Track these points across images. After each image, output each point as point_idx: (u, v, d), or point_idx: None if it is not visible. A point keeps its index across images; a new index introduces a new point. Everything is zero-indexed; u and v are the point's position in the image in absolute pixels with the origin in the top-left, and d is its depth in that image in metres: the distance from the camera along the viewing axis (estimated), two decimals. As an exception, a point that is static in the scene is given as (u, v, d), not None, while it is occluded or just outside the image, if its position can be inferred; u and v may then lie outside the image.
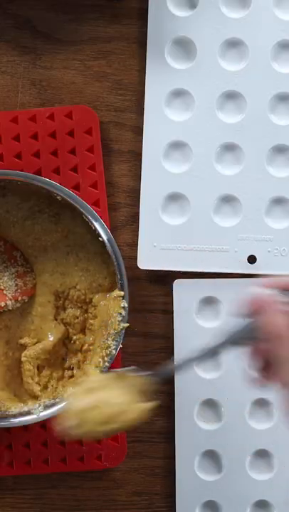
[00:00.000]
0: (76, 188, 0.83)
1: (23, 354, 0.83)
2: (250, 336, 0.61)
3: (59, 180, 0.82)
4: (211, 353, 0.64)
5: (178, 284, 0.84)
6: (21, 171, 0.82)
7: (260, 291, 0.59)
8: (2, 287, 0.83)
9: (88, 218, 0.79)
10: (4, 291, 0.83)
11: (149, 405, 0.66)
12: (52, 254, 0.83)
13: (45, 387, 0.82)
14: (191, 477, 0.85)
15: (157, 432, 0.87)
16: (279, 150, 0.84)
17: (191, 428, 0.85)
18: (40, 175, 0.82)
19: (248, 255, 0.84)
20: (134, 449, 0.87)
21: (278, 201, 0.84)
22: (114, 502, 0.87)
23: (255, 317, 0.60)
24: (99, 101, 0.85)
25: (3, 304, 0.82)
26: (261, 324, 0.59)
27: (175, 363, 0.67)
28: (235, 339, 0.62)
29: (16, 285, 0.83)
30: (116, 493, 0.87)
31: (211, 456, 0.85)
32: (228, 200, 0.84)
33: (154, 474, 0.87)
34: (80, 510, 0.87)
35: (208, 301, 0.85)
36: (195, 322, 0.84)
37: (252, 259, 0.84)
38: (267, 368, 0.61)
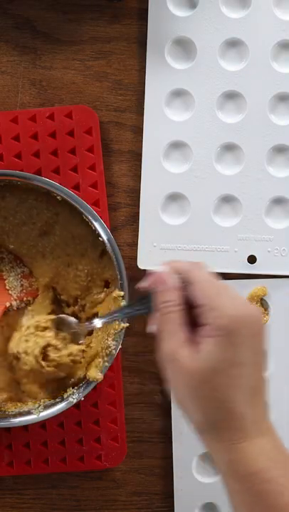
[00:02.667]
0: (76, 188, 0.83)
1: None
2: (149, 307, 0.67)
3: (59, 180, 0.82)
4: (117, 317, 0.75)
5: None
6: (21, 171, 0.82)
7: (162, 269, 0.65)
8: (7, 287, 0.83)
9: (88, 218, 0.79)
10: (10, 291, 0.83)
11: (76, 347, 0.78)
12: (51, 261, 0.83)
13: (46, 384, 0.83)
14: (189, 479, 0.85)
15: (157, 432, 0.87)
16: (279, 150, 0.84)
17: (188, 430, 0.84)
18: (40, 175, 0.82)
19: (248, 255, 0.84)
20: (134, 449, 0.87)
21: (278, 201, 0.84)
22: (114, 502, 0.87)
23: (153, 292, 0.66)
24: (99, 101, 0.85)
25: (8, 304, 0.82)
26: (155, 299, 0.65)
27: (97, 317, 0.77)
28: (138, 308, 0.69)
29: (21, 285, 0.83)
30: (116, 493, 0.87)
31: (209, 458, 0.85)
32: (228, 200, 0.84)
33: (153, 474, 0.87)
34: (80, 510, 0.87)
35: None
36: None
37: (252, 259, 0.84)
38: None
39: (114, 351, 0.78)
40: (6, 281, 0.83)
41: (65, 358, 0.77)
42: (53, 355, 0.77)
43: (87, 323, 0.77)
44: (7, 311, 0.83)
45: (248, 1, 0.83)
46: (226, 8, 0.83)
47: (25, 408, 0.81)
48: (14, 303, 0.83)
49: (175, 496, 0.85)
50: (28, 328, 0.78)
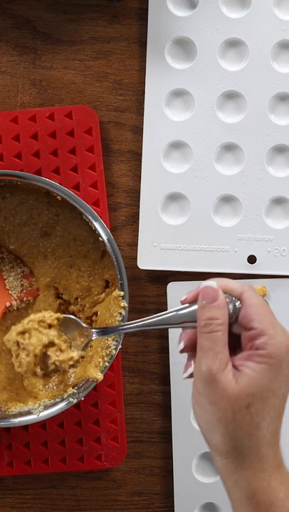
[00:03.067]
0: (76, 188, 0.83)
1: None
2: (189, 321, 0.64)
3: (59, 181, 0.82)
4: (148, 328, 0.67)
5: (172, 286, 0.84)
6: (21, 171, 0.82)
7: (213, 285, 0.63)
8: (7, 287, 0.83)
9: (88, 218, 0.79)
10: (10, 291, 0.83)
11: (77, 354, 0.69)
12: (52, 261, 0.83)
13: (48, 382, 0.82)
14: (189, 479, 0.85)
15: (157, 432, 0.87)
16: (279, 150, 0.84)
17: (188, 430, 0.85)
18: (40, 175, 0.82)
19: (248, 255, 0.84)
20: (134, 449, 0.87)
21: (278, 201, 0.84)
22: (114, 502, 0.87)
23: (198, 304, 0.63)
24: (99, 101, 0.85)
25: (8, 304, 0.82)
26: (199, 314, 0.63)
27: (106, 332, 0.71)
28: (175, 321, 0.65)
29: (22, 285, 0.83)
30: (116, 493, 0.87)
31: (209, 458, 0.85)
32: (228, 200, 0.84)
33: (153, 474, 0.87)
34: (80, 510, 0.87)
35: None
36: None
37: (252, 259, 0.84)
38: (192, 351, 0.65)
39: (114, 351, 0.78)
40: (6, 281, 0.83)
41: (65, 363, 0.69)
42: (54, 357, 0.69)
43: (95, 330, 0.71)
44: (7, 311, 0.83)
45: (248, 1, 0.83)
46: (226, 8, 0.83)
47: (26, 408, 0.81)
48: (14, 303, 0.83)
49: (175, 496, 0.85)
50: (30, 321, 0.69)
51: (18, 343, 0.69)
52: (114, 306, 0.79)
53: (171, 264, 0.84)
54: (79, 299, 0.83)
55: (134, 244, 0.85)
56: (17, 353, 0.69)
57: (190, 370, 0.65)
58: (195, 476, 0.85)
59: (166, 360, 0.85)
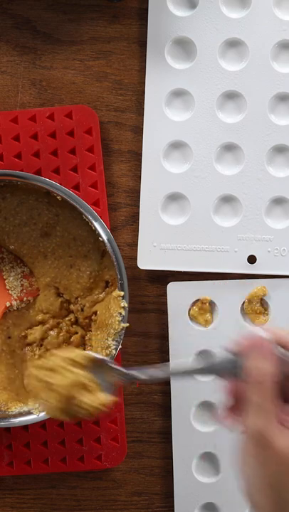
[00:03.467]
0: (76, 188, 0.83)
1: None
2: (233, 371, 0.61)
3: (59, 181, 0.82)
4: (188, 375, 0.64)
5: (172, 286, 0.84)
6: (21, 171, 0.82)
7: (260, 333, 0.60)
8: (7, 287, 0.83)
9: (88, 218, 0.79)
10: (10, 291, 0.83)
11: (108, 398, 0.65)
12: (52, 261, 0.83)
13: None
14: (189, 479, 0.85)
15: (157, 432, 0.87)
16: (279, 150, 0.84)
17: (188, 430, 0.85)
18: (40, 175, 0.82)
19: (248, 255, 0.84)
20: (134, 449, 0.87)
21: (278, 201, 0.84)
22: (114, 502, 0.87)
23: (244, 356, 0.60)
24: (99, 101, 0.85)
25: (8, 304, 0.82)
26: (247, 364, 0.59)
27: (147, 375, 0.66)
28: (218, 369, 0.62)
29: (22, 285, 0.83)
30: (116, 493, 0.87)
31: (209, 458, 0.85)
32: (228, 200, 0.84)
33: (153, 474, 0.87)
34: (80, 510, 0.87)
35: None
36: (189, 324, 0.84)
37: (252, 259, 0.84)
38: (237, 407, 0.62)
39: (114, 351, 0.78)
40: (6, 281, 0.83)
41: (94, 407, 0.65)
42: (85, 400, 0.65)
43: (126, 374, 0.65)
44: (7, 311, 0.83)
45: (248, 1, 0.83)
46: (226, 8, 0.83)
47: (26, 408, 0.81)
48: (14, 303, 0.83)
49: (175, 495, 0.85)
50: (57, 358, 0.66)
51: (46, 382, 0.66)
52: (114, 306, 0.79)
53: (171, 264, 0.84)
54: (79, 299, 0.83)
55: (134, 244, 0.85)
56: (40, 389, 0.66)
57: (232, 423, 0.62)
58: (195, 476, 0.85)
59: (167, 360, 0.85)
